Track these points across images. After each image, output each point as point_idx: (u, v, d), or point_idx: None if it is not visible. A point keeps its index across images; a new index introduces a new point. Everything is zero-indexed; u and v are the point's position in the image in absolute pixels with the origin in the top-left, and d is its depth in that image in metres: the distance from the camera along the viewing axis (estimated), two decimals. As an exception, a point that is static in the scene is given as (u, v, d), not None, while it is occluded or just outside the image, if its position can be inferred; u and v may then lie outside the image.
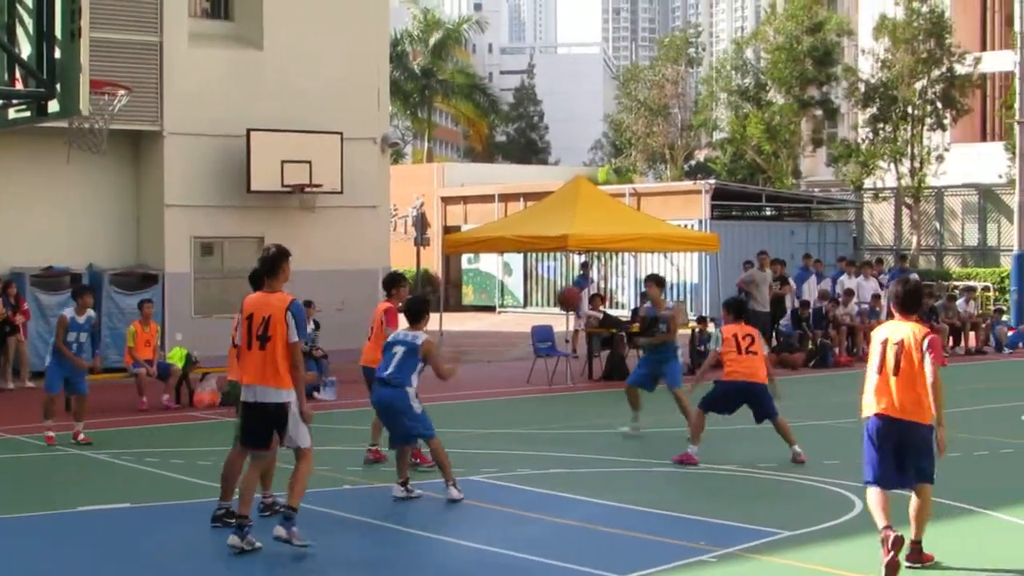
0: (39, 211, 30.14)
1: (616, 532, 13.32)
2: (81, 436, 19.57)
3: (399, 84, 69.38)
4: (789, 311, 33.33)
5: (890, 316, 12.47)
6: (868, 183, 56.50)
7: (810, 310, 33.20)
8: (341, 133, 31.80)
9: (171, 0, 30.70)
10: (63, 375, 19.80)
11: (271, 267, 13.03)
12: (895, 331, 11.97)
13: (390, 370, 14.98)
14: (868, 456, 11.91)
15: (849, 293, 34.68)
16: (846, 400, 25.24)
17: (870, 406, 11.91)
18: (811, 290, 35.03)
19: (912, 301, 12.23)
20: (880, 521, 11.55)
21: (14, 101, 15.26)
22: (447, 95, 76.70)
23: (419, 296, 15.94)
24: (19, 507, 14.69)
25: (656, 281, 21.95)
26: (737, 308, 18.82)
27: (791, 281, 34.65)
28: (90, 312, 20.38)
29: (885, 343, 11.91)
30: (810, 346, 32.44)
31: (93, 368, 20.52)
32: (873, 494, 11.80)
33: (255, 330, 12.60)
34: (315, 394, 25.65)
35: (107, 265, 30.48)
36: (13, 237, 29.62)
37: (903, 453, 11.82)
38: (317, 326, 26.41)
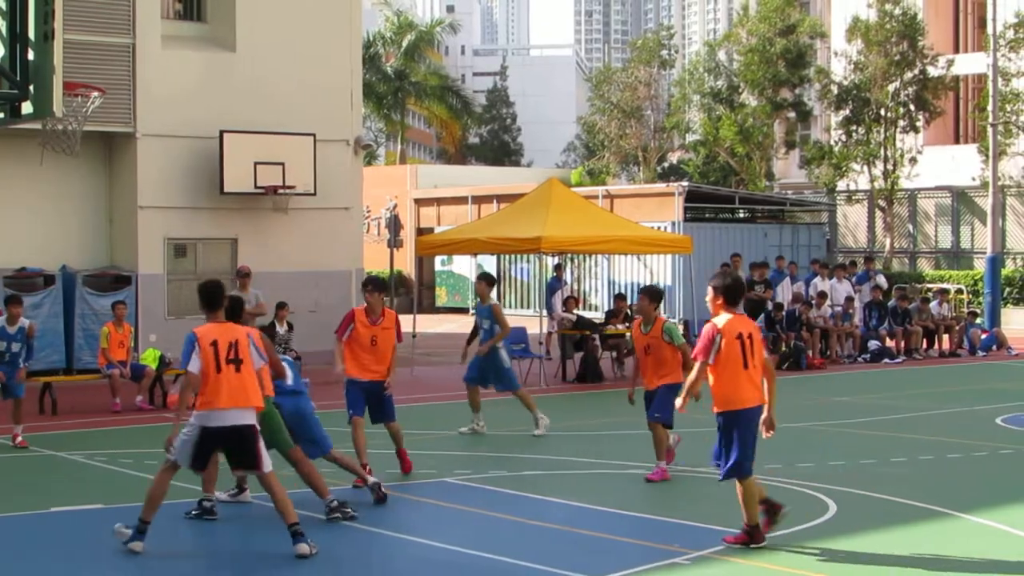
0: (12, 212, 30.05)
1: (590, 534, 13.33)
2: (19, 439, 19.53)
3: (372, 86, 69.30)
4: (763, 313, 33.35)
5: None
6: (841, 185, 56.65)
7: (783, 312, 33.25)
8: (314, 135, 31.77)
9: (144, 2, 30.64)
10: None
11: (216, 300, 13.01)
12: (740, 325, 12.64)
13: (296, 381, 14.96)
14: (742, 448, 12.53)
15: (822, 295, 34.76)
16: (820, 403, 25.40)
17: (744, 400, 12.52)
18: (785, 292, 35.09)
19: (737, 292, 12.85)
20: (755, 516, 12.56)
21: (-13, 102, 15.22)
22: (420, 97, 76.66)
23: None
24: (-8, 509, 14.67)
25: (485, 279, 21.86)
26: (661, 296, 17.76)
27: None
28: (23, 321, 20.24)
29: (740, 337, 12.49)
30: (783, 348, 32.48)
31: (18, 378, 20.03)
32: (751, 484, 12.59)
33: (224, 354, 12.58)
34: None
35: (80, 266, 30.40)
36: (-14, 238, 29.58)
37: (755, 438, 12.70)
38: (290, 328, 26.39)
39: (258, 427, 12.68)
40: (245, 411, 12.58)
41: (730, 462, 12.53)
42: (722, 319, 12.57)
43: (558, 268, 35.18)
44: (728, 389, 12.47)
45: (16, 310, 20.20)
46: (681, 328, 32.43)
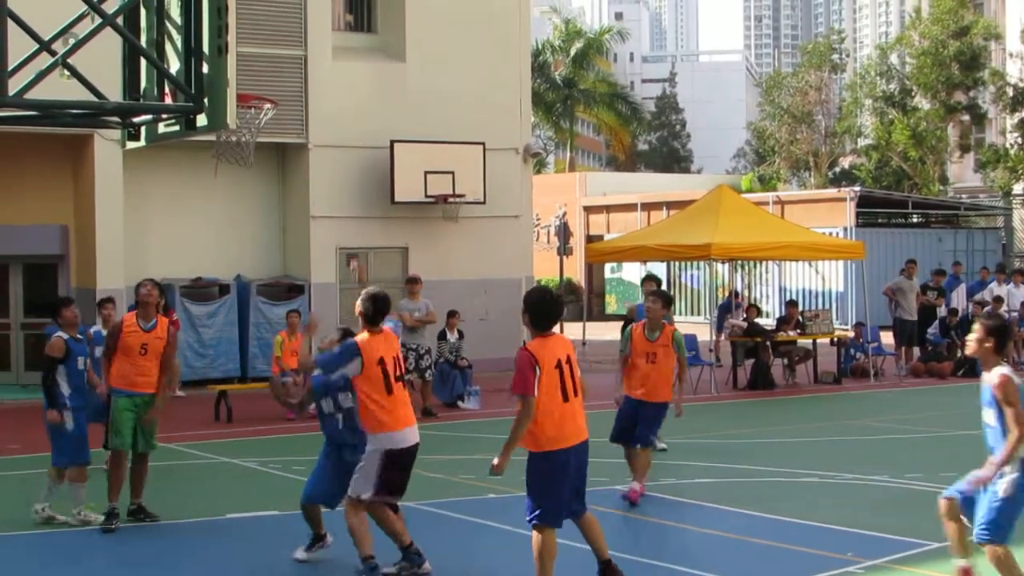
0: (188, 223, 30.60)
1: (762, 543, 13.22)
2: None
3: (541, 94, 69.44)
4: (937, 320, 32.84)
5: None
6: (1017, 188, 55.74)
7: (958, 318, 32.70)
8: (483, 143, 31.92)
9: (315, 14, 31.04)
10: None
11: (384, 314, 12.15)
12: (557, 349, 10.75)
13: None
14: (554, 494, 10.66)
15: (998, 300, 34.10)
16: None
17: (566, 437, 10.66)
18: (959, 298, 34.54)
19: (547, 314, 10.81)
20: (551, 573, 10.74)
21: (164, 116, 15.51)
22: (589, 104, 76.58)
23: None
24: (171, 513, 14.88)
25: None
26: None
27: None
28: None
29: (559, 365, 10.64)
30: (958, 355, 31.94)
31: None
32: (550, 539, 10.69)
33: (393, 372, 11.88)
34: (459, 403, 25.80)
35: (254, 275, 30.85)
36: (163, 248, 30.11)
37: (580, 477, 10.99)
38: (461, 336, 26.51)
39: None
40: (416, 430, 12.05)
41: (537, 511, 10.66)
42: (535, 344, 10.73)
43: (735, 295, 35.05)
44: (545, 426, 10.59)
45: (109, 311, 19.12)
46: (852, 334, 32.27)
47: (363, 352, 11.74)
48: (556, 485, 10.64)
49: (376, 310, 12.00)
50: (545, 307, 10.77)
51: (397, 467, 11.84)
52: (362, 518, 11.84)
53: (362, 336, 11.95)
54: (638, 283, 54.70)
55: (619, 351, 16.41)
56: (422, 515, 14.63)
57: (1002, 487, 10.37)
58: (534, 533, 10.68)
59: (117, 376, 14.41)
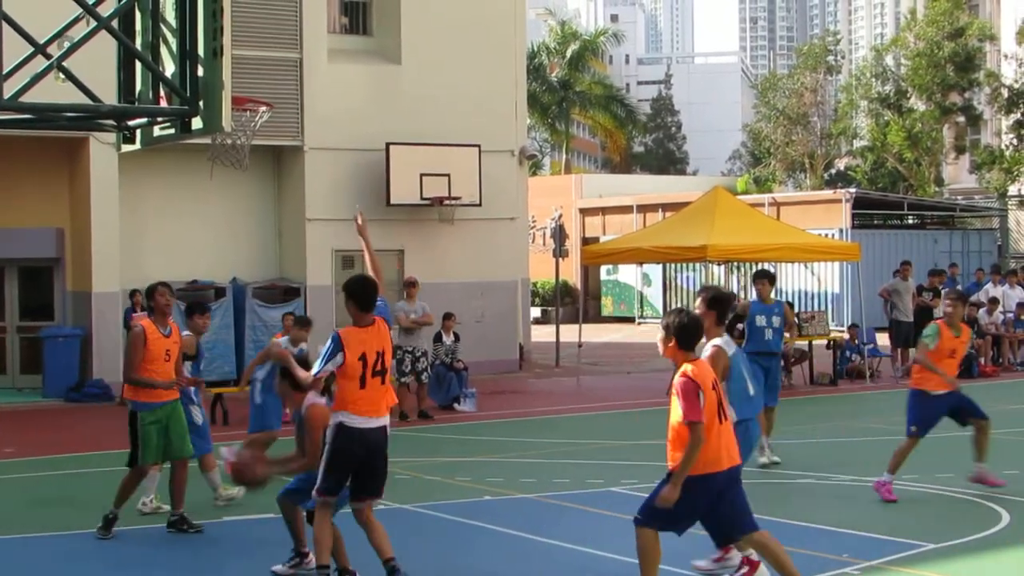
0: (184, 226, 30.59)
1: (758, 544, 13.20)
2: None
3: (537, 96, 69.46)
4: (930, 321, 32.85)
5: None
6: (1013, 190, 55.78)
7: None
8: (479, 146, 31.93)
9: (311, 17, 31.04)
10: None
11: (371, 300, 12.29)
12: (709, 372, 10.44)
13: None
14: (679, 513, 10.31)
15: (994, 301, 34.14)
16: (994, 411, 24.93)
17: (720, 460, 10.32)
18: (957, 299, 34.56)
19: (694, 334, 10.38)
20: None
21: (158, 119, 15.48)
22: (584, 106, 76.63)
23: None
24: (170, 517, 14.89)
25: (767, 277, 20.90)
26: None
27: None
28: (303, 346, 18.67)
29: (714, 386, 10.32)
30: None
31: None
32: (652, 541, 10.45)
33: (372, 366, 11.75)
34: (455, 406, 25.79)
35: (250, 278, 30.84)
36: (159, 251, 30.10)
37: (729, 500, 10.56)
38: (457, 338, 26.51)
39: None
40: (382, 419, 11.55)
41: (645, 516, 10.41)
42: (692, 368, 10.24)
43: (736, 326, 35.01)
44: (707, 448, 10.16)
45: (303, 332, 19.07)
46: (848, 336, 32.30)
47: (345, 345, 11.62)
48: (689, 506, 10.27)
49: (365, 295, 12.06)
50: (695, 328, 10.38)
51: (349, 451, 11.33)
52: (324, 519, 11.49)
53: (346, 329, 11.85)
54: (635, 285, 54.86)
55: (926, 344, 16.21)
56: (419, 517, 14.64)
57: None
58: (637, 531, 10.42)
59: (143, 389, 14.14)
